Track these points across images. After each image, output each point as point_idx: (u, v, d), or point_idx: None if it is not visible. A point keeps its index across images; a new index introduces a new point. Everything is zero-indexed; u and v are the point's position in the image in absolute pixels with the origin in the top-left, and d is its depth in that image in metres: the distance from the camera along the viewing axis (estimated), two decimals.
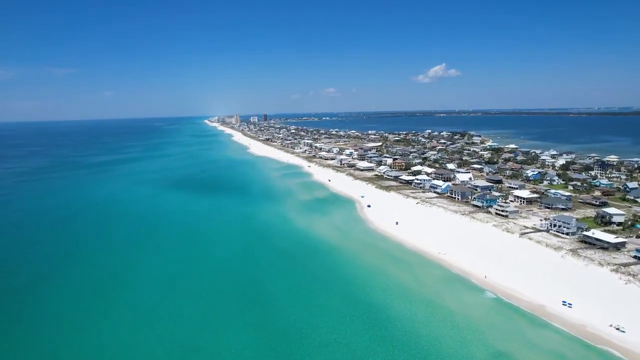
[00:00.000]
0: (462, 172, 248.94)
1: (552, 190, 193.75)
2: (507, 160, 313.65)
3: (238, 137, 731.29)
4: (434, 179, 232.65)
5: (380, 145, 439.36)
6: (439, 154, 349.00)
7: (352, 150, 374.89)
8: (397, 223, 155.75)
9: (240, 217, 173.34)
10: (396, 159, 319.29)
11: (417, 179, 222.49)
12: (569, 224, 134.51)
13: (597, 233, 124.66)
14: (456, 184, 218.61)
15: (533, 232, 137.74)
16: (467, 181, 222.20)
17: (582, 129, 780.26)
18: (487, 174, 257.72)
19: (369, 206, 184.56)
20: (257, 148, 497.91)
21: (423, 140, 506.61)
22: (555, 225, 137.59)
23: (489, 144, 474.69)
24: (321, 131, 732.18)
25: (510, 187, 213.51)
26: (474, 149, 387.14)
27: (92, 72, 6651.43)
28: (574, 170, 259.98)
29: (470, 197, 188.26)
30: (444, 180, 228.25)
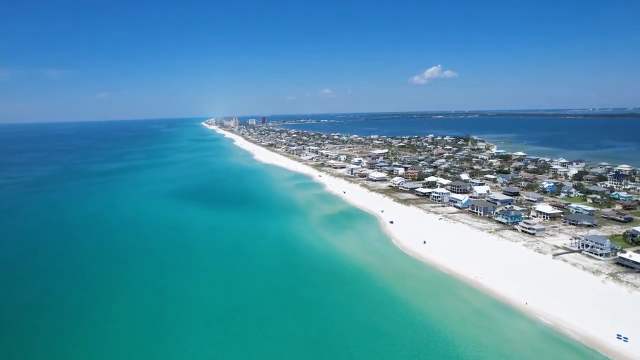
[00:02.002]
0: (477, 184, 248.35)
1: (574, 205, 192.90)
2: (517, 169, 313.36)
3: (240, 142, 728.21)
4: (450, 190, 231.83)
5: (387, 153, 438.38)
6: (449, 162, 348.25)
7: (361, 159, 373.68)
8: (424, 242, 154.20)
9: (266, 234, 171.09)
10: (407, 168, 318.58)
11: (436, 192, 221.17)
12: (602, 244, 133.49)
13: (634, 255, 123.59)
14: (474, 197, 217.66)
15: (566, 252, 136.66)
16: (485, 194, 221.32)
17: (583, 132, 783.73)
18: (502, 184, 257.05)
19: (391, 222, 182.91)
20: (262, 154, 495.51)
21: (428, 146, 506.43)
22: (587, 246, 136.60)
23: (495, 150, 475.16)
24: (323, 135, 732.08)
25: (528, 200, 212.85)
26: (482, 156, 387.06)
27: (86, 73, 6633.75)
28: (587, 180, 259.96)
29: (492, 212, 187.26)
30: (461, 193, 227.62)
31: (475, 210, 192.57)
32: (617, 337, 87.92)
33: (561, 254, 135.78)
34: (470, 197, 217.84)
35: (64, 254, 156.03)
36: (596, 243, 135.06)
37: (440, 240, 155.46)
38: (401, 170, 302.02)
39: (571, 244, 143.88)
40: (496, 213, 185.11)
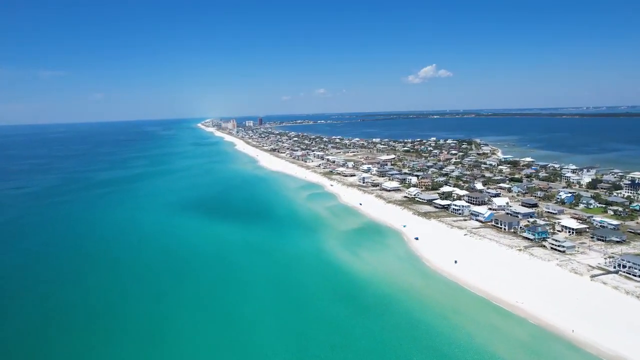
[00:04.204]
0: (494, 195, 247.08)
1: (598, 218, 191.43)
2: (529, 176, 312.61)
3: (241, 146, 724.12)
4: (468, 202, 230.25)
5: (393, 159, 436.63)
6: (458, 169, 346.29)
7: (370, 166, 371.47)
8: (455, 262, 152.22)
9: (294, 255, 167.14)
10: (418, 176, 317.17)
11: (456, 205, 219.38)
12: None
13: None
14: (494, 209, 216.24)
15: (603, 273, 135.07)
16: (505, 206, 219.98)
17: (583, 133, 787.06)
18: (517, 194, 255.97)
19: (416, 238, 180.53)
20: (267, 160, 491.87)
21: (433, 150, 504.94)
22: (624, 266, 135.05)
23: (500, 154, 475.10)
24: (324, 139, 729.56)
25: (549, 212, 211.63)
26: (490, 162, 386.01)
27: (80, 74, 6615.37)
28: (602, 189, 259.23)
29: (517, 227, 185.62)
30: (479, 204, 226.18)
31: (499, 225, 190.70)
32: None
33: (598, 275, 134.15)
34: (489, 208, 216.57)
35: (100, 280, 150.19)
36: (634, 263, 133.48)
37: (470, 260, 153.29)
38: (414, 179, 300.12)
39: (606, 263, 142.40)
40: (521, 228, 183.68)
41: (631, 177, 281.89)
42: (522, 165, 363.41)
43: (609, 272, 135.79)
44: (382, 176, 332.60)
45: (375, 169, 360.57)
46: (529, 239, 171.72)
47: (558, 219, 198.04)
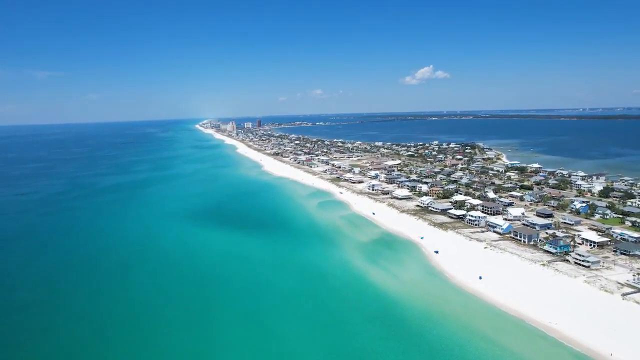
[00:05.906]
0: (507, 203, 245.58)
1: (618, 231, 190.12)
2: (538, 184, 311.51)
3: (243, 149, 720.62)
4: (482, 211, 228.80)
5: (399, 164, 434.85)
6: (467, 176, 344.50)
7: (377, 172, 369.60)
8: (480, 277, 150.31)
9: (311, 269, 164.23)
10: (427, 182, 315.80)
11: (472, 216, 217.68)
12: None
13: None
14: (510, 219, 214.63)
15: (635, 291, 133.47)
16: (521, 216, 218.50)
17: (584, 136, 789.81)
18: (530, 203, 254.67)
19: (436, 252, 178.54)
20: (271, 165, 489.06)
21: (437, 155, 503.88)
22: None
23: (505, 159, 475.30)
24: (326, 142, 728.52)
25: (565, 222, 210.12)
26: (497, 168, 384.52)
27: (76, 75, 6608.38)
28: (614, 197, 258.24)
29: (537, 239, 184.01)
30: (494, 214, 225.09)
31: (518, 237, 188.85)
32: None
33: (630, 293, 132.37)
34: (505, 219, 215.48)
35: (129, 296, 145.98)
36: None
37: (495, 275, 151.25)
38: (424, 187, 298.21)
39: (635, 280, 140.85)
40: (541, 241, 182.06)
41: None
42: (530, 172, 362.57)
43: (639, 290, 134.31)
44: (391, 183, 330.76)
45: (382, 175, 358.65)
46: (550, 252, 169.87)
47: (576, 230, 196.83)
